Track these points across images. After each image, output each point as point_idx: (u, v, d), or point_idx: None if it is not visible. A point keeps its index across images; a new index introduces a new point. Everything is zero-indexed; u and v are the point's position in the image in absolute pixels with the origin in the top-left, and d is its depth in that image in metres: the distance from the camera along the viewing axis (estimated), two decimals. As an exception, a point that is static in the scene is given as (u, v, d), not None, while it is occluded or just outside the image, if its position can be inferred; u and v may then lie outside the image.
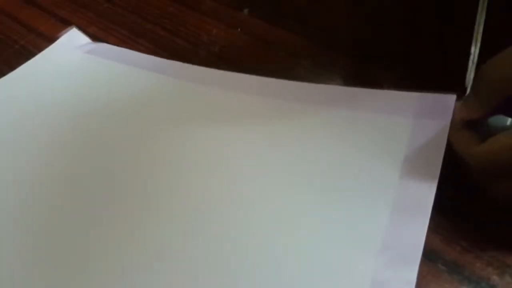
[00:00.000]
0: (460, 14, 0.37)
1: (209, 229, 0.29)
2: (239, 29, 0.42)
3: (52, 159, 0.34)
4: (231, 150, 0.33)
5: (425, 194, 0.27)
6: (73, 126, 0.36)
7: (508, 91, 0.25)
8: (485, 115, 0.27)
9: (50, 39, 0.44)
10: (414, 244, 0.25)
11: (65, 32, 0.44)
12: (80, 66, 0.41)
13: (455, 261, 0.26)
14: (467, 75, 0.31)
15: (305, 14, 0.43)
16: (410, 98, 0.32)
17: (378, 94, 0.33)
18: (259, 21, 0.43)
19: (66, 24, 0.45)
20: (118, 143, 0.35)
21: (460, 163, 0.27)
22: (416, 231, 0.26)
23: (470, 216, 0.27)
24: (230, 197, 0.30)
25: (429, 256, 0.26)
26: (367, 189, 0.29)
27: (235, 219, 0.29)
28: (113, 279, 0.27)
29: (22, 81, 0.40)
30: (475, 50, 0.31)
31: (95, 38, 0.44)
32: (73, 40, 0.43)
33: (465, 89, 0.30)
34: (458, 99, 0.30)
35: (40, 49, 0.43)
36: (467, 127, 0.28)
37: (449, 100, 0.30)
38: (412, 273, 0.24)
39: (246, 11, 0.44)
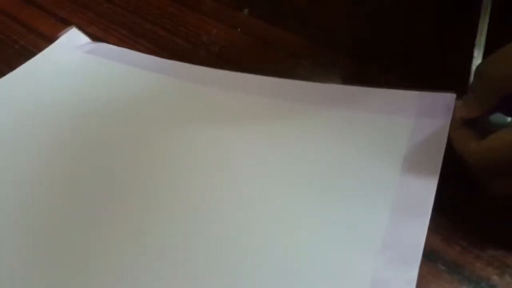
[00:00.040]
0: (460, 14, 0.37)
1: (209, 229, 0.29)
2: (239, 29, 0.42)
3: (52, 159, 0.34)
4: (231, 150, 0.33)
5: (425, 194, 0.27)
6: (73, 126, 0.36)
7: (508, 89, 0.25)
8: (485, 114, 0.27)
9: (50, 39, 0.44)
10: (414, 244, 0.25)
11: (65, 32, 0.44)
12: (80, 66, 0.41)
13: (455, 261, 0.26)
14: (471, 79, 0.30)
15: (305, 14, 0.42)
16: (410, 97, 0.32)
17: (378, 93, 0.33)
18: (259, 21, 0.43)
19: (66, 24, 0.45)
20: (118, 143, 0.35)
21: (460, 161, 0.27)
22: (416, 231, 0.26)
23: (470, 215, 0.27)
24: (230, 197, 0.30)
25: (429, 256, 0.26)
26: (367, 189, 0.29)
27: (235, 219, 0.29)
28: (113, 279, 0.27)
29: (22, 81, 0.40)
30: (479, 54, 0.30)
31: (95, 38, 0.44)
32: (73, 40, 0.43)
33: (467, 91, 0.30)
34: (458, 98, 0.30)
35: (40, 49, 0.43)
36: (467, 125, 0.27)
37: (449, 99, 0.30)
38: (412, 273, 0.24)
39: (246, 11, 0.44)
